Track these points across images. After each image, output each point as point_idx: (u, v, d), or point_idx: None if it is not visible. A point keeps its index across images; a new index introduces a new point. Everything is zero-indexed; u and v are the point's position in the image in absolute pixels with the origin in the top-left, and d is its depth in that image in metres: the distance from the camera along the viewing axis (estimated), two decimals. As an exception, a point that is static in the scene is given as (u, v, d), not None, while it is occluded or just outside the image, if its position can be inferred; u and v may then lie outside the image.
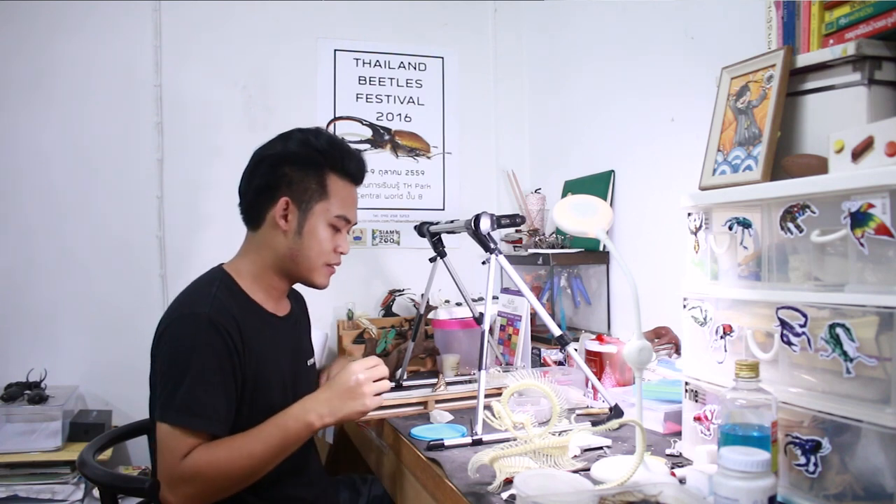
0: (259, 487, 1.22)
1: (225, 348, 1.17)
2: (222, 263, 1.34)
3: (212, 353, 1.16)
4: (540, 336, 1.91)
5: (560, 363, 1.75)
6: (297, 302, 1.49)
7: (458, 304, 2.04)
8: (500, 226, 1.46)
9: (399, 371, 1.72)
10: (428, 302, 1.81)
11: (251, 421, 1.19)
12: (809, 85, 1.04)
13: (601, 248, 2.08)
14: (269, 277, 1.32)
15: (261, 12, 2.40)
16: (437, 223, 1.69)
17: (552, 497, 0.84)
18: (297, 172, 1.28)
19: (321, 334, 2.24)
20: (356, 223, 1.39)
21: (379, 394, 1.21)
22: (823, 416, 0.82)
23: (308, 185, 1.28)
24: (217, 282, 1.26)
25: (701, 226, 1.06)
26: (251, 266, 1.31)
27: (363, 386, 1.18)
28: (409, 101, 2.59)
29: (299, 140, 1.30)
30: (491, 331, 1.75)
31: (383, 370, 1.22)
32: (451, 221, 1.59)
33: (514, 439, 1.04)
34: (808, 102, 1.04)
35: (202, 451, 1.11)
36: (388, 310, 2.42)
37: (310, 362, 1.44)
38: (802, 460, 0.85)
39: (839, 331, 0.80)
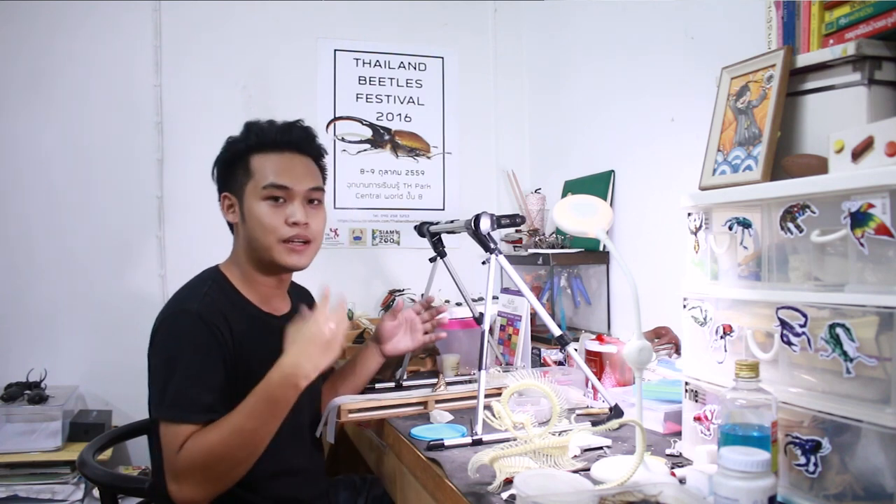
0: (259, 486, 1.22)
1: (214, 341, 1.17)
2: (219, 263, 1.35)
3: (200, 348, 1.16)
4: (540, 336, 1.91)
5: (560, 363, 1.75)
6: (302, 300, 1.49)
7: (458, 304, 2.04)
8: (500, 226, 1.46)
9: (399, 371, 1.72)
10: (428, 302, 1.81)
11: None
12: (809, 85, 1.04)
13: (601, 248, 2.08)
14: (252, 274, 1.33)
15: (261, 12, 2.40)
16: (437, 223, 1.69)
17: (552, 497, 0.84)
18: (226, 169, 1.34)
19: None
20: (309, 188, 1.31)
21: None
22: (823, 416, 0.82)
23: (237, 175, 1.31)
24: (210, 281, 1.28)
25: (701, 226, 1.06)
26: (237, 267, 1.34)
27: (338, 336, 1.15)
28: (409, 101, 2.59)
29: (224, 143, 1.36)
30: (491, 331, 1.75)
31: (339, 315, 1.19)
32: (451, 221, 1.59)
33: (514, 439, 1.04)
34: (808, 102, 1.04)
35: (194, 440, 1.10)
36: (388, 310, 2.42)
37: None
38: (802, 460, 0.85)
39: (839, 331, 0.80)
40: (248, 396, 1.13)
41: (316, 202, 1.34)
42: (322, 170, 1.40)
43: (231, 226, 1.37)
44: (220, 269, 1.34)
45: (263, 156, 1.30)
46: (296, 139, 1.33)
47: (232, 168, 1.32)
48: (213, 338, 1.17)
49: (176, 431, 1.11)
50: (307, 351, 1.13)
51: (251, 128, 1.33)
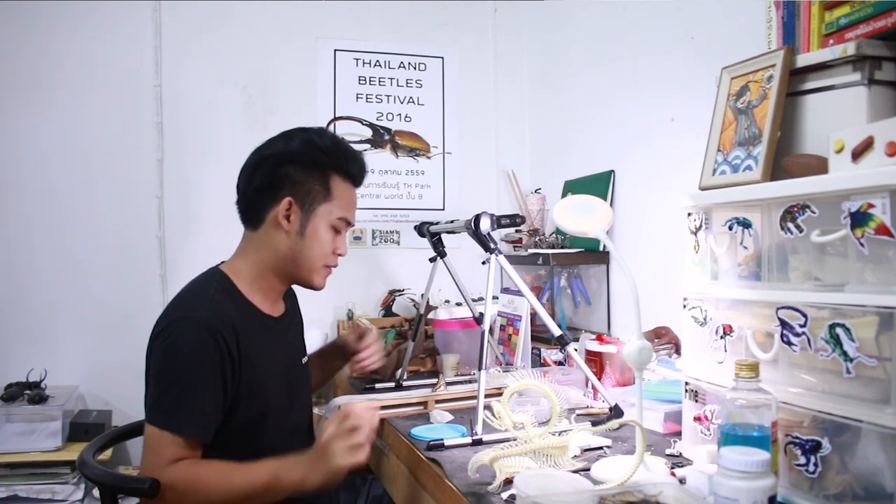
0: None
1: (219, 355, 1.15)
2: (220, 264, 1.33)
3: (206, 359, 1.14)
4: (540, 336, 1.91)
5: (560, 363, 1.75)
6: (291, 301, 1.48)
7: (458, 304, 2.04)
8: (500, 226, 1.46)
9: (399, 371, 1.72)
10: (428, 302, 1.81)
11: (246, 423, 1.18)
12: (809, 85, 1.04)
13: (601, 248, 2.08)
14: (268, 278, 1.30)
15: (261, 12, 2.40)
16: (437, 223, 1.69)
17: (552, 497, 0.84)
18: (300, 173, 1.26)
19: (321, 334, 2.24)
20: (354, 225, 1.40)
21: (358, 445, 1.08)
22: (823, 416, 0.82)
23: (312, 185, 1.27)
24: (214, 283, 1.25)
25: (701, 226, 1.06)
26: (250, 267, 1.29)
27: (333, 444, 1.08)
28: (409, 101, 2.59)
29: (303, 140, 1.28)
30: (491, 331, 1.75)
31: (356, 419, 1.09)
32: (451, 221, 1.59)
33: (514, 439, 1.04)
34: (808, 102, 1.04)
35: (188, 465, 1.10)
36: (388, 310, 2.42)
37: (304, 360, 1.44)
38: (802, 460, 0.85)
39: (839, 331, 0.80)
40: (260, 463, 1.10)
41: None
42: None
43: (257, 223, 1.29)
44: (222, 270, 1.31)
45: (344, 183, 1.31)
46: (363, 179, 1.36)
47: (309, 177, 1.27)
48: (219, 349, 1.15)
49: (162, 439, 1.11)
50: (318, 460, 1.08)
51: (339, 147, 1.31)
